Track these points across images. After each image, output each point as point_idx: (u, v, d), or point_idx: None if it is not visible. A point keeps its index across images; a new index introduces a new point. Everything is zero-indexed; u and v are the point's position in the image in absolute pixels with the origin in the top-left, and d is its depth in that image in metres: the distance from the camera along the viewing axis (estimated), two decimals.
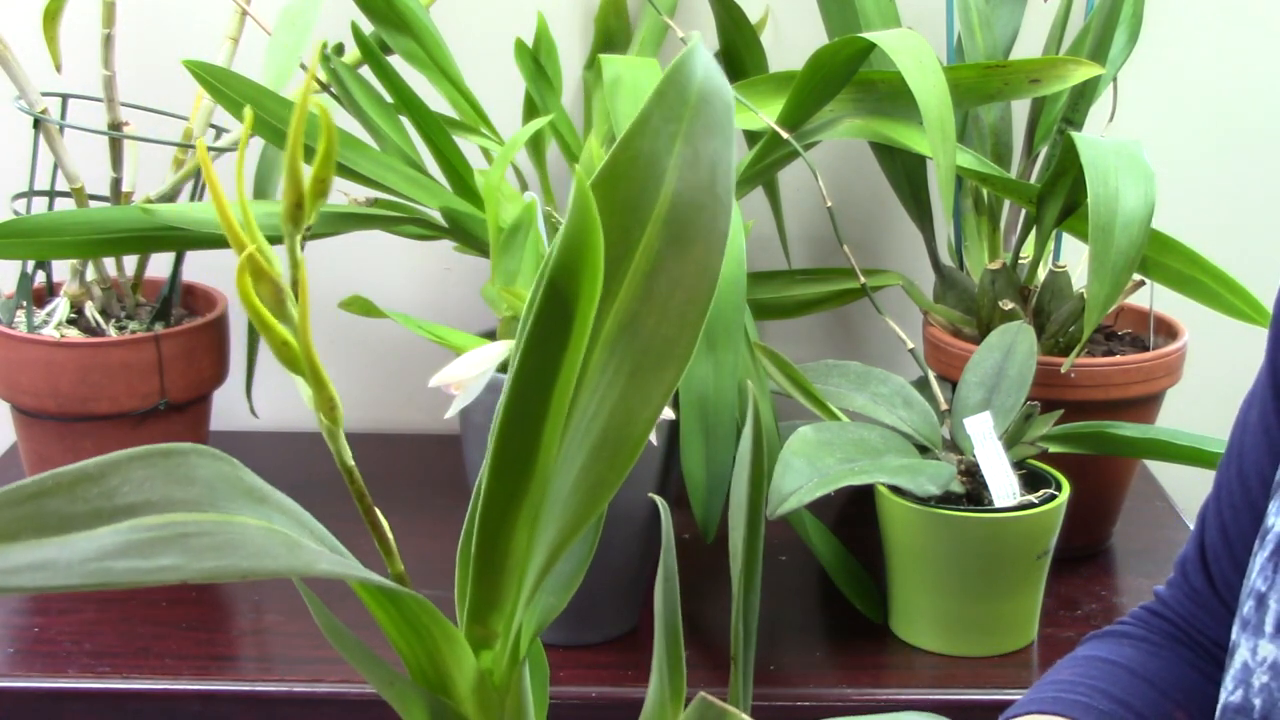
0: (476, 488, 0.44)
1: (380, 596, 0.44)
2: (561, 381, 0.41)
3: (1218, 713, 0.65)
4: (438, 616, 0.42)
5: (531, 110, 1.22)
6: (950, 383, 1.08)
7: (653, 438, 0.74)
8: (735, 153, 0.44)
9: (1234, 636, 0.65)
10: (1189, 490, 1.23)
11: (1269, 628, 0.62)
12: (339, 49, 1.13)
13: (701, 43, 0.43)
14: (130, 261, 1.22)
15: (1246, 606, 0.64)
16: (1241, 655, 0.63)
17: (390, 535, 0.44)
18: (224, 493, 0.40)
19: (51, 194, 1.17)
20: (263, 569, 0.38)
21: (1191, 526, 0.88)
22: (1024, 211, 1.17)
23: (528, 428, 0.42)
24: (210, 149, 1.17)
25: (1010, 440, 1.02)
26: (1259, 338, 1.02)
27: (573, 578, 0.48)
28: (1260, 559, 0.64)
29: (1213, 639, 0.73)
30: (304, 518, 0.43)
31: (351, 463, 0.42)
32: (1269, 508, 0.66)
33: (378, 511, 0.43)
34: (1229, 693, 0.64)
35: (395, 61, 1.12)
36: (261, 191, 1.23)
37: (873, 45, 1.03)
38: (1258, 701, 0.61)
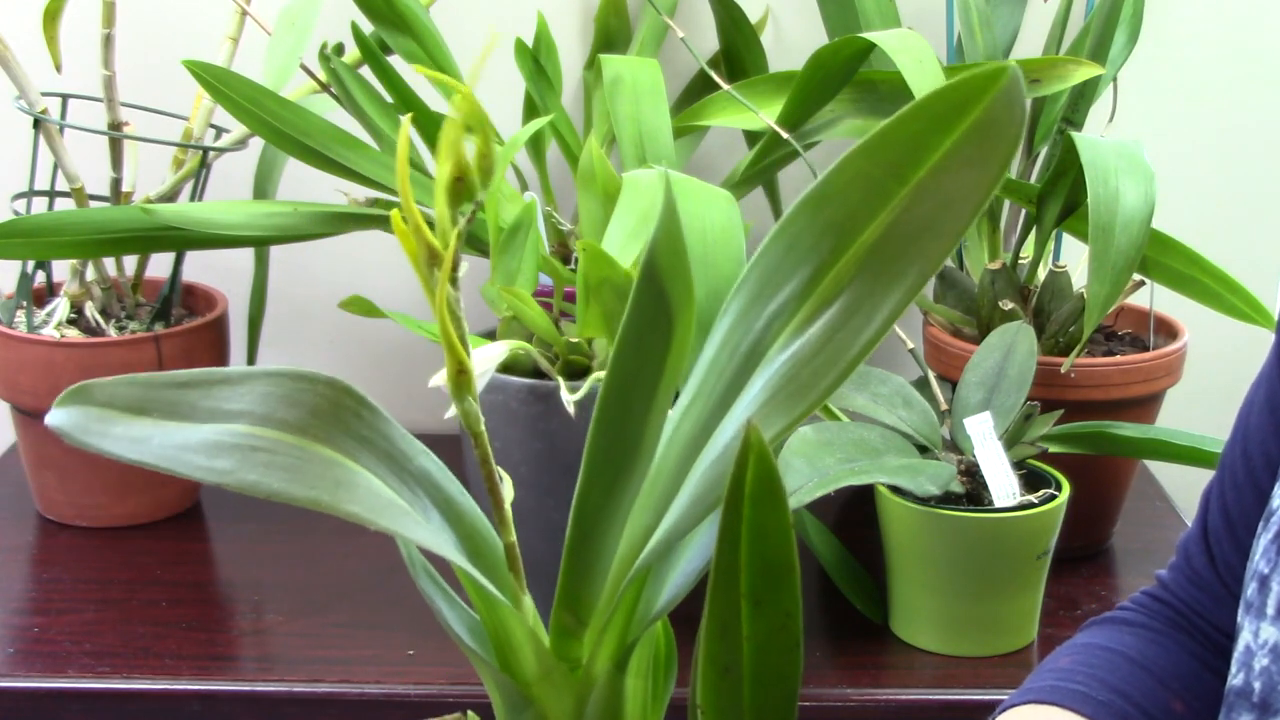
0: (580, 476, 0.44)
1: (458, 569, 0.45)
2: (666, 380, 0.41)
3: (1225, 696, 0.65)
4: (493, 599, 0.43)
5: (531, 110, 1.22)
6: (950, 383, 1.08)
7: None
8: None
9: (1238, 619, 0.65)
10: (1189, 490, 1.23)
11: (1271, 610, 0.62)
12: (339, 49, 1.13)
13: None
14: (130, 261, 1.22)
15: (1250, 588, 0.64)
16: (1244, 638, 0.63)
17: (508, 506, 0.44)
18: (326, 424, 0.42)
19: (51, 194, 1.17)
20: (298, 497, 0.40)
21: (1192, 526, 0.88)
22: (1024, 211, 1.17)
23: (628, 422, 0.42)
24: (210, 149, 1.17)
25: (1010, 440, 1.02)
26: (1259, 337, 1.03)
27: (697, 575, 0.48)
28: (1264, 541, 0.64)
29: (1213, 623, 0.73)
30: (423, 471, 0.44)
31: (481, 429, 0.42)
32: (1274, 489, 0.65)
33: (498, 477, 0.44)
34: (1232, 675, 0.64)
35: (395, 61, 1.12)
36: (261, 191, 1.23)
37: (873, 45, 1.03)
38: (1258, 684, 0.61)
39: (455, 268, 0.39)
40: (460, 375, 0.41)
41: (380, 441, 0.44)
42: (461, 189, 0.39)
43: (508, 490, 0.44)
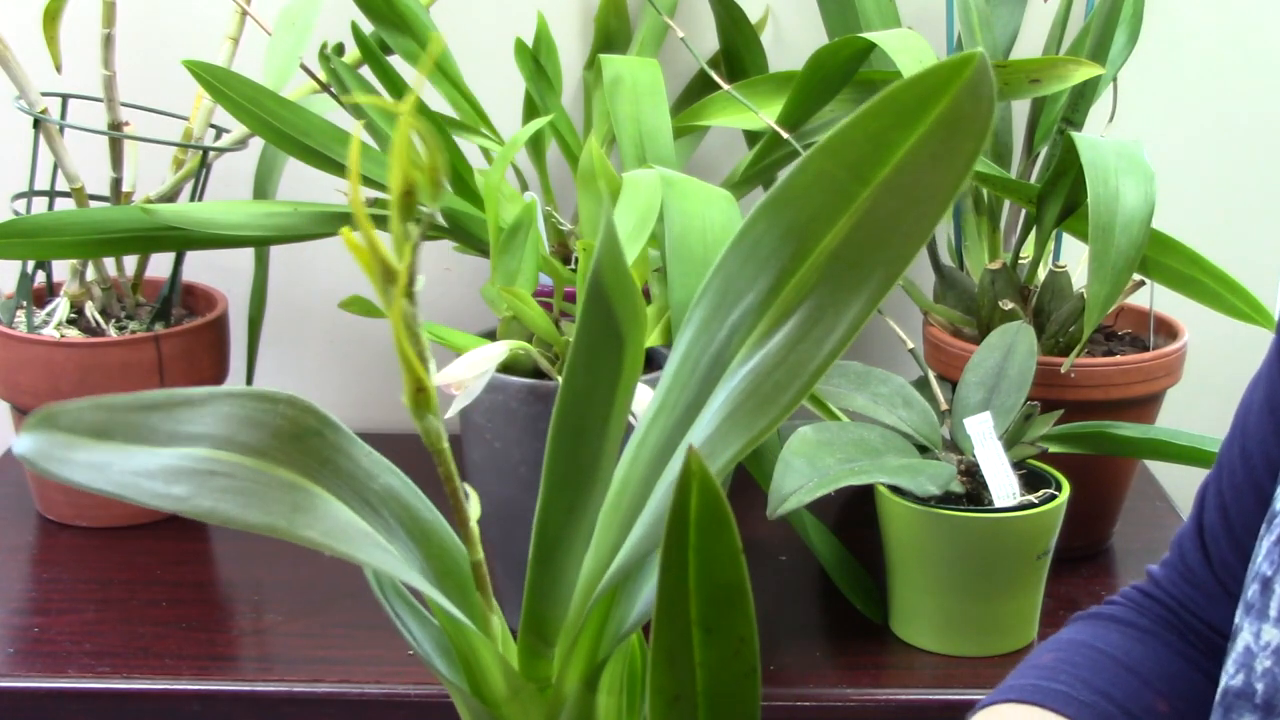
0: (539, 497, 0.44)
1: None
2: (620, 397, 0.40)
3: (1218, 696, 0.65)
4: (459, 624, 0.42)
5: (531, 110, 1.22)
6: (950, 383, 1.08)
7: None
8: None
9: (1236, 620, 0.65)
10: (1189, 490, 1.22)
11: (1274, 612, 0.62)
12: (339, 49, 1.13)
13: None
14: (130, 261, 1.22)
15: (1251, 590, 0.64)
16: (1244, 639, 0.63)
17: (474, 524, 0.43)
18: (287, 446, 0.41)
19: (51, 194, 1.17)
20: (254, 524, 0.39)
21: None
22: (1024, 211, 1.17)
23: (585, 442, 0.41)
24: (210, 149, 1.17)
25: (1010, 440, 1.02)
26: (1259, 338, 1.02)
27: None
28: (1267, 542, 0.64)
29: (1205, 621, 0.72)
30: (387, 489, 0.43)
31: (444, 446, 0.42)
32: (1276, 491, 0.65)
33: (463, 496, 0.43)
34: (1230, 676, 0.64)
35: (395, 61, 1.12)
36: (261, 191, 1.23)
37: (873, 45, 1.03)
38: (1260, 686, 0.61)
39: (411, 282, 0.39)
40: (419, 394, 0.40)
41: (343, 461, 0.43)
42: (412, 202, 0.38)
43: (474, 508, 0.43)
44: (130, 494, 0.38)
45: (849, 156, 0.36)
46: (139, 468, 0.39)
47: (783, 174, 0.38)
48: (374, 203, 1.10)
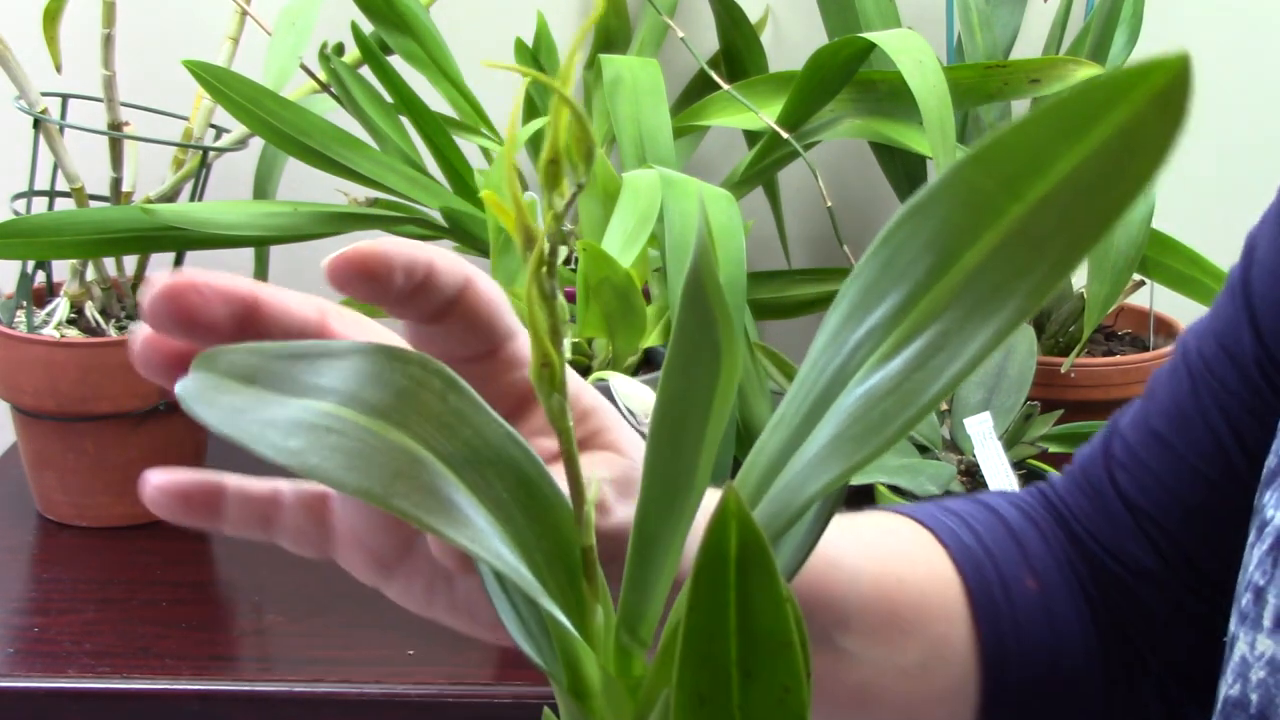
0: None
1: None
2: (718, 401, 0.39)
3: (1218, 706, 0.65)
4: (555, 618, 0.41)
5: (531, 110, 1.22)
6: None
7: None
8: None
9: (1232, 629, 0.65)
10: None
11: (1267, 622, 0.62)
12: (339, 49, 1.13)
13: None
14: (130, 261, 1.22)
15: (1244, 600, 0.64)
16: (1240, 649, 0.63)
17: (592, 511, 0.42)
18: (406, 408, 0.41)
19: (51, 194, 1.17)
20: (351, 487, 0.39)
21: None
22: None
23: (683, 440, 0.40)
24: (210, 149, 1.17)
25: (1010, 440, 1.02)
26: None
27: None
28: (1259, 552, 0.64)
29: (1093, 536, 0.70)
30: (510, 462, 0.42)
31: (569, 424, 0.41)
32: (1266, 499, 0.65)
33: (584, 484, 0.42)
34: (1228, 685, 0.64)
35: (395, 61, 1.12)
36: (261, 191, 1.23)
37: (873, 45, 1.03)
38: (1254, 696, 0.61)
39: (553, 253, 0.38)
40: (544, 369, 0.39)
41: (463, 429, 0.42)
42: (558, 170, 0.37)
43: (593, 491, 0.42)
44: (255, 444, 0.38)
45: (1003, 169, 0.32)
46: (268, 417, 0.39)
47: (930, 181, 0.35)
48: (374, 203, 1.10)
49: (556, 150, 0.37)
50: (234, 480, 0.50)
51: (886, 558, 0.65)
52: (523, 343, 0.49)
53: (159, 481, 0.49)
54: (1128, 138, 0.31)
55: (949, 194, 0.34)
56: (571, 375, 0.48)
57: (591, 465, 0.49)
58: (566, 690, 0.43)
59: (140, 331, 0.48)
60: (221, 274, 0.47)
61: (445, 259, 0.47)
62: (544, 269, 0.38)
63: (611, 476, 0.49)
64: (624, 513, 0.48)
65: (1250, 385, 0.68)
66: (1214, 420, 0.68)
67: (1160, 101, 0.30)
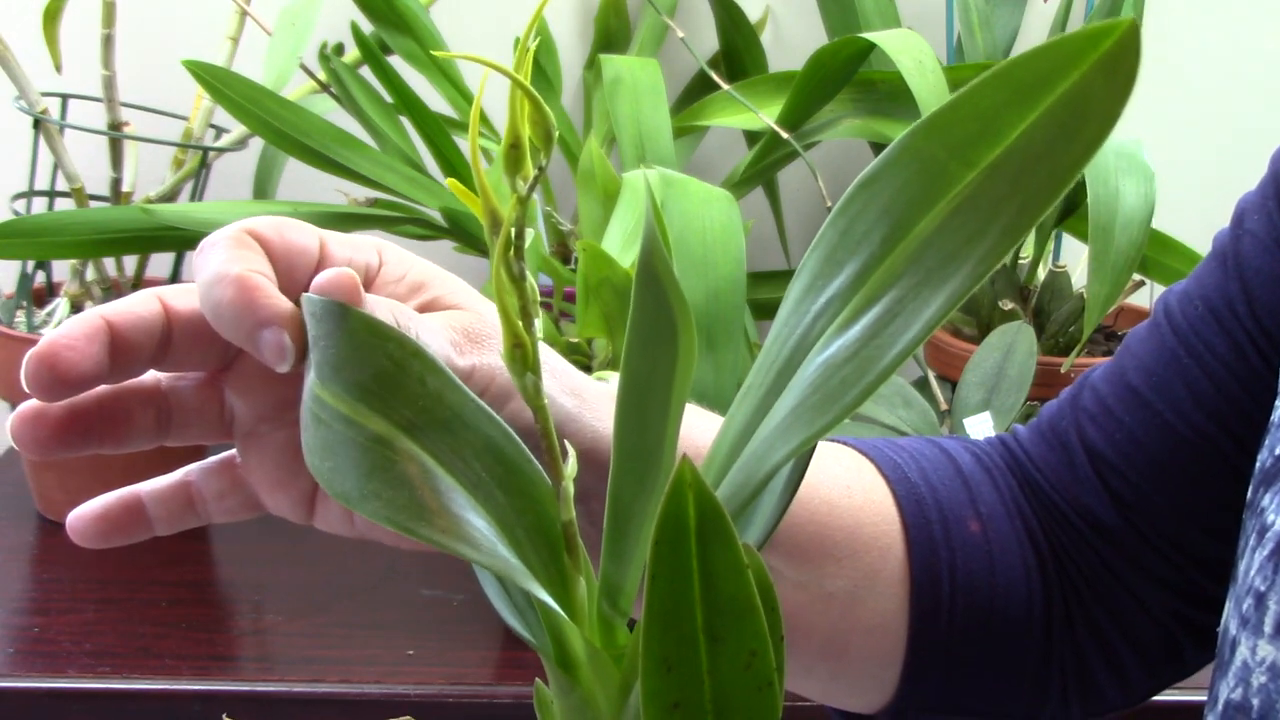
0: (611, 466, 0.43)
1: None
2: (678, 378, 0.39)
3: (1219, 709, 0.65)
4: (539, 598, 0.41)
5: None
6: (950, 383, 1.08)
7: None
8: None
9: (1234, 633, 0.65)
10: None
11: (1268, 628, 0.62)
12: (339, 49, 1.13)
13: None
14: (130, 261, 1.22)
15: (1245, 604, 0.64)
16: (1241, 654, 0.63)
17: (570, 485, 0.43)
18: (385, 390, 0.42)
19: (51, 194, 1.17)
20: (334, 491, 0.39)
21: None
22: None
23: (648, 418, 0.40)
24: (210, 149, 1.17)
25: None
26: None
27: None
28: (1259, 557, 0.64)
29: (1054, 485, 0.70)
30: (485, 441, 0.43)
31: (544, 402, 0.41)
32: (1266, 502, 0.65)
33: (560, 458, 0.43)
34: (1230, 689, 0.64)
35: (395, 61, 1.12)
36: (261, 191, 1.23)
37: (873, 45, 1.03)
38: (1256, 701, 0.61)
39: (519, 236, 0.38)
40: (516, 349, 0.40)
41: (440, 411, 0.43)
42: (520, 156, 0.38)
43: (570, 466, 0.43)
44: (337, 489, 0.40)
45: (953, 136, 0.33)
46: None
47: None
48: (374, 203, 1.10)
49: (517, 135, 0.37)
50: (146, 485, 0.51)
51: (820, 483, 0.64)
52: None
53: (76, 516, 0.50)
54: (1077, 103, 0.30)
55: (902, 162, 0.34)
56: (392, 267, 0.51)
57: (440, 320, 0.50)
58: (554, 663, 0.43)
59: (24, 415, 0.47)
60: (72, 321, 0.46)
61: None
62: (511, 251, 0.38)
63: (460, 328, 0.50)
64: (473, 359, 0.50)
65: (1238, 351, 0.67)
66: (1195, 380, 0.67)
67: (1108, 66, 0.30)
